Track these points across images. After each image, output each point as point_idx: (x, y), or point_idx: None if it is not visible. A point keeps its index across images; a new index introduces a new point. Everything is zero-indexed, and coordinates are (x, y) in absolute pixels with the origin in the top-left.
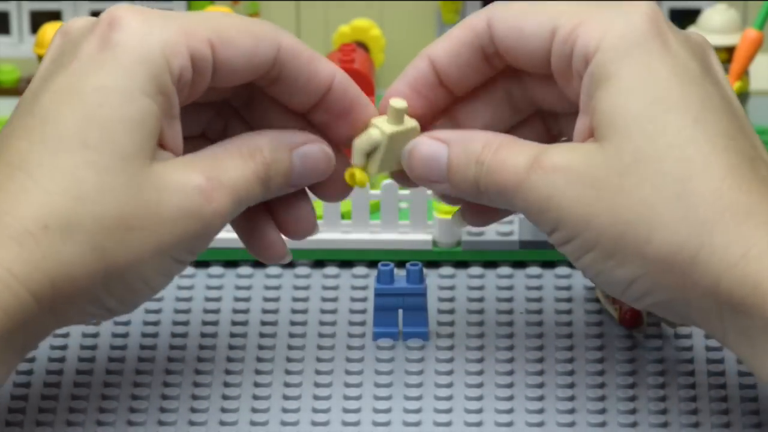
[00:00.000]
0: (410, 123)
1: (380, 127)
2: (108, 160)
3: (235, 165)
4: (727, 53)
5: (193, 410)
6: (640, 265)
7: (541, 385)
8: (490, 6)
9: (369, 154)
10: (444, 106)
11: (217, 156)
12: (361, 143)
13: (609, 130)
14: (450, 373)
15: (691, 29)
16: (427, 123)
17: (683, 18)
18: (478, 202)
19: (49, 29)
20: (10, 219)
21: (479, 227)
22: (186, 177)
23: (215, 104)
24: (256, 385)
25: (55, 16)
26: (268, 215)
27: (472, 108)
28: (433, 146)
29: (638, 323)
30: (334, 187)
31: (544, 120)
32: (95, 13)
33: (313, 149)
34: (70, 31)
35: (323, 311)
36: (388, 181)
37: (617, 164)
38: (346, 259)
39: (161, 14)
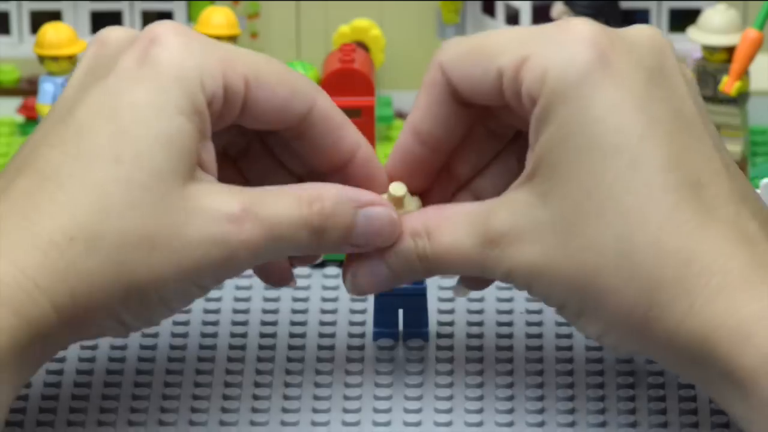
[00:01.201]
0: (411, 205)
1: None
2: (139, 176)
3: (283, 205)
4: (727, 53)
5: (194, 410)
6: (603, 324)
7: (541, 385)
8: (439, 51)
9: None
10: (441, 164)
11: (266, 192)
12: None
13: (548, 177)
14: (450, 373)
15: (691, 30)
16: (428, 184)
17: (683, 18)
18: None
19: (50, 29)
20: (38, 228)
21: (483, 289)
22: (219, 203)
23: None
24: (257, 385)
25: (55, 16)
26: None
27: (468, 157)
28: (371, 267)
29: None
30: (279, 271)
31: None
32: (96, 14)
33: (381, 212)
34: (107, 41)
35: (323, 311)
36: None
37: (561, 224)
38: None
39: (203, 39)
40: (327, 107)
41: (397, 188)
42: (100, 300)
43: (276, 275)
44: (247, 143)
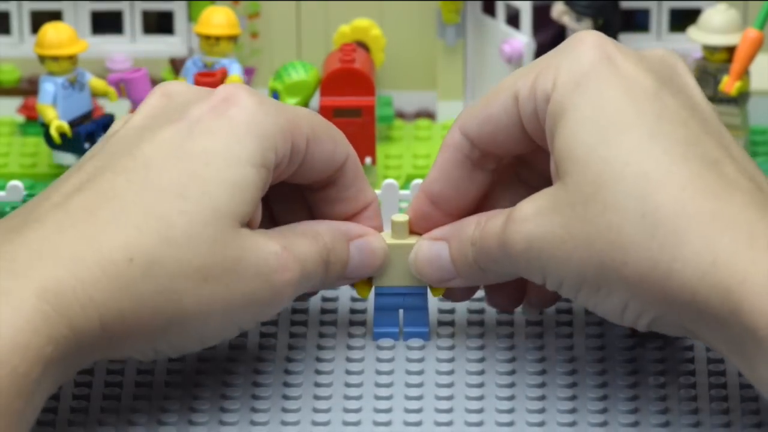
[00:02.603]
0: (414, 238)
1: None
2: (201, 212)
3: (303, 243)
4: (727, 53)
5: (193, 410)
6: (625, 290)
7: (542, 385)
8: (458, 116)
9: None
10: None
11: (289, 233)
12: None
13: (567, 165)
14: (451, 373)
15: (691, 30)
16: None
17: (683, 18)
18: (487, 283)
19: (50, 29)
20: (98, 245)
21: (511, 310)
22: (266, 243)
23: None
24: (257, 385)
25: (56, 16)
26: None
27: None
28: (434, 247)
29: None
30: None
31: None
32: (96, 14)
33: (371, 242)
34: (173, 94)
35: (323, 311)
36: (389, 180)
37: (580, 196)
38: None
39: (273, 102)
40: (355, 158)
41: (400, 216)
42: (145, 324)
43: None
44: (286, 190)
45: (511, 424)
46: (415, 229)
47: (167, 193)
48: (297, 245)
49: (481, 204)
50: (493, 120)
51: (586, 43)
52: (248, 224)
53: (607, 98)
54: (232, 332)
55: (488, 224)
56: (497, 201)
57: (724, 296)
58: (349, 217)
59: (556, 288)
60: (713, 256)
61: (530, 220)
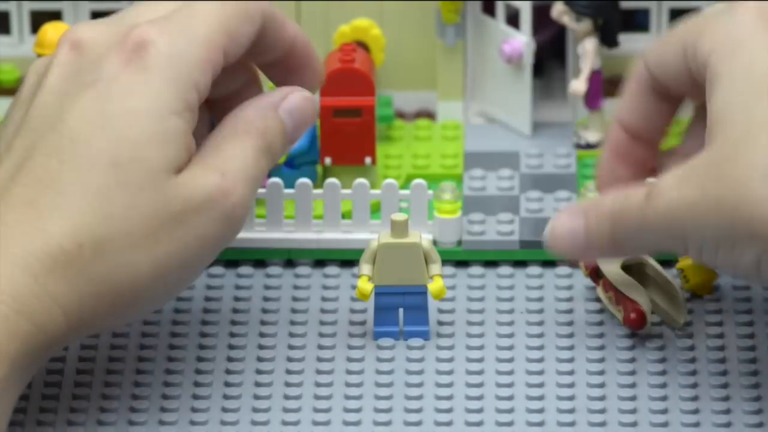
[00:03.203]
0: (413, 237)
1: (379, 239)
2: (137, 177)
3: (237, 149)
4: None
5: (194, 410)
6: (757, 246)
7: (541, 385)
8: (645, 49)
9: (373, 263)
10: (649, 158)
11: (220, 147)
12: (364, 253)
13: (715, 129)
14: (451, 372)
15: None
16: (636, 176)
17: (683, 18)
18: (617, 258)
19: (50, 29)
20: (46, 236)
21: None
22: (204, 179)
23: None
24: (257, 384)
25: (56, 16)
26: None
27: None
28: (570, 221)
29: (642, 324)
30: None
31: None
32: (95, 14)
33: (296, 100)
34: (83, 44)
35: (324, 311)
36: (389, 180)
37: (717, 158)
38: (346, 258)
39: (181, 28)
40: (271, 10)
41: (398, 216)
42: (108, 302)
43: None
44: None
45: (510, 424)
46: (611, 160)
47: (100, 164)
48: (233, 158)
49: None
50: (668, 63)
51: (748, 7)
52: (189, 151)
53: (758, 64)
54: (198, 273)
55: (630, 197)
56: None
57: None
58: (275, 64)
59: (697, 256)
60: None
61: (673, 187)
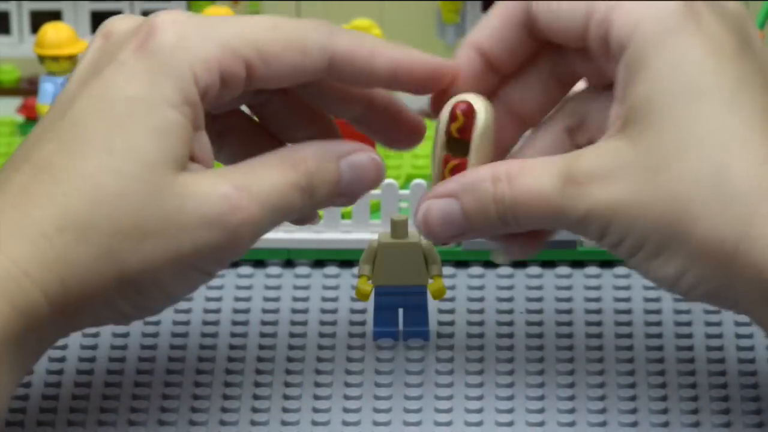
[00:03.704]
0: (413, 238)
1: (379, 239)
2: (130, 167)
3: (271, 175)
4: None
5: (194, 410)
6: (685, 260)
7: (541, 385)
8: None
9: (373, 264)
10: (493, 88)
11: (254, 167)
12: (364, 254)
13: (641, 123)
14: (450, 372)
15: None
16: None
17: None
18: (504, 233)
19: (50, 29)
20: (29, 220)
21: (526, 257)
22: (212, 186)
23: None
24: (257, 384)
25: (56, 16)
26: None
27: (521, 87)
28: (443, 204)
29: (471, 115)
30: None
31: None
32: (96, 14)
33: (362, 158)
34: (112, 32)
35: (323, 311)
36: (389, 180)
37: (652, 160)
38: (346, 258)
39: (203, 25)
40: (349, 47)
41: (398, 215)
42: (93, 289)
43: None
44: (268, 99)
45: (510, 424)
46: (463, 82)
47: (94, 150)
48: (260, 180)
49: (524, 68)
50: (561, 16)
51: None
52: (197, 162)
53: (688, 59)
54: (200, 279)
55: (528, 183)
56: (539, 70)
57: None
58: (364, 112)
59: (610, 248)
60: None
61: (595, 181)
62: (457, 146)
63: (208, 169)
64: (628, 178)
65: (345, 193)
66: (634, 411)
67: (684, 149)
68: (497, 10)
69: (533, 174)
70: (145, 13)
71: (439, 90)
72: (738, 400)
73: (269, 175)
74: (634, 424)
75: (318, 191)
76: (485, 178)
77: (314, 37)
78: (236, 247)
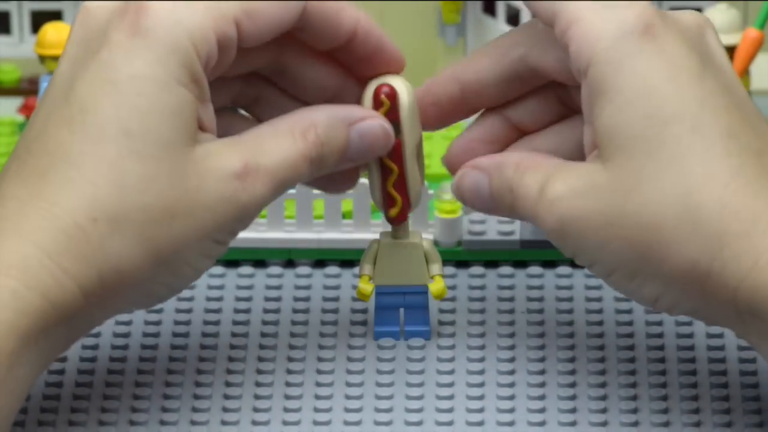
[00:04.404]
0: (414, 237)
1: (380, 239)
2: (150, 148)
3: (281, 146)
4: (727, 53)
5: (195, 410)
6: (660, 284)
7: (542, 385)
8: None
9: (374, 264)
10: (473, 112)
11: (262, 137)
12: (365, 253)
13: (609, 150)
14: (451, 372)
15: None
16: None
17: None
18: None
19: (50, 29)
20: (58, 210)
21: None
22: (225, 162)
23: (243, 75)
24: (258, 384)
25: (56, 15)
26: None
27: (524, 109)
28: (475, 176)
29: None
30: (342, 177)
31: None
32: None
33: (372, 125)
34: (92, 12)
35: (324, 311)
36: None
37: (621, 186)
38: (347, 258)
39: None
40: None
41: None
42: (129, 278)
43: (341, 181)
44: (257, 92)
45: (511, 423)
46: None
47: (111, 134)
48: (269, 153)
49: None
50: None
51: (632, 10)
52: (204, 131)
53: (650, 84)
54: (219, 250)
55: (525, 182)
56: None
57: (765, 298)
58: (341, 50)
59: (586, 266)
60: (754, 258)
61: (564, 200)
62: None
63: (219, 140)
64: (597, 198)
65: (351, 158)
66: (635, 411)
67: (651, 175)
68: (483, 49)
69: (531, 172)
70: None
71: (377, 72)
72: (739, 399)
73: (279, 146)
74: (635, 424)
75: (326, 159)
76: (510, 164)
77: None
78: (247, 219)
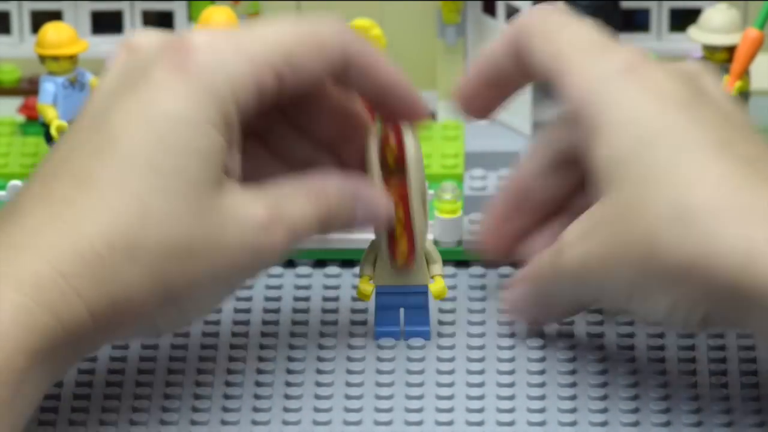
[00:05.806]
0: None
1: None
2: (177, 186)
3: (300, 204)
4: (727, 53)
5: (195, 410)
6: (670, 292)
7: (542, 385)
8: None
9: (374, 264)
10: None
11: (284, 192)
12: (365, 254)
13: (605, 182)
14: (452, 372)
15: (692, 29)
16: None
17: (684, 18)
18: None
19: (50, 29)
20: (77, 233)
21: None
22: (250, 210)
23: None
24: (258, 384)
25: (56, 16)
26: None
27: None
28: (514, 293)
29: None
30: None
31: None
32: (96, 14)
33: (375, 202)
34: (137, 48)
35: (324, 311)
36: None
37: (617, 214)
38: (347, 258)
39: (231, 41)
40: (359, 55)
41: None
42: (138, 307)
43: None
44: (269, 124)
45: (511, 423)
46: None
47: (140, 168)
48: (290, 206)
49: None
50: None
51: (620, 56)
52: (228, 175)
53: (637, 113)
54: (227, 295)
55: (544, 254)
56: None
57: (765, 287)
58: (379, 104)
59: (612, 305)
60: (750, 248)
61: (575, 245)
62: (392, 168)
63: (242, 189)
64: (600, 233)
65: (356, 227)
66: (635, 410)
67: (644, 193)
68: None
69: (548, 251)
70: (146, 14)
71: (399, 119)
72: (739, 399)
73: (299, 204)
74: (636, 424)
75: (332, 224)
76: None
77: (333, 40)
78: (262, 268)
